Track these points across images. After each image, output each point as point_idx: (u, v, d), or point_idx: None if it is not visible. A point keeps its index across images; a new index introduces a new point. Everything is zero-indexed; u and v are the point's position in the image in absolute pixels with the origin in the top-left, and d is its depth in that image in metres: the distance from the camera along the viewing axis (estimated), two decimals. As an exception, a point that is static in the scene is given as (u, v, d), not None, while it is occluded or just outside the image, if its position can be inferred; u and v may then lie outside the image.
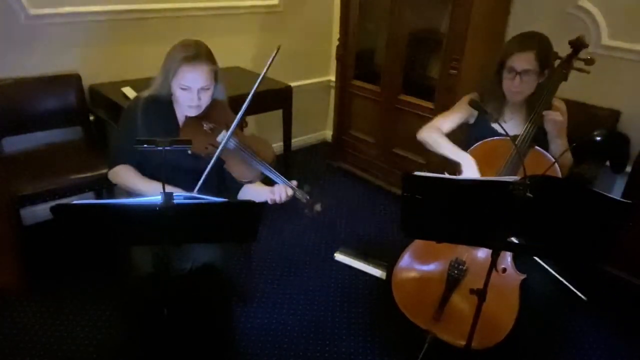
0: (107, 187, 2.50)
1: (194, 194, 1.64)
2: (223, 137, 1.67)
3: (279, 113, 3.11)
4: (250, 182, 1.73)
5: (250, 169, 1.69)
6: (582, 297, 1.73)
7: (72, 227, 1.32)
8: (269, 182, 1.74)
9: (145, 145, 1.37)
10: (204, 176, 1.63)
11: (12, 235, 2.18)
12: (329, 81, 3.90)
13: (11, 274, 2.21)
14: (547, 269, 1.76)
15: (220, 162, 1.69)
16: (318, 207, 1.69)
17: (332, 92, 3.74)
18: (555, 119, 1.77)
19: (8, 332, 2.04)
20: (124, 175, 1.76)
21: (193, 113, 1.73)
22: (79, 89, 2.63)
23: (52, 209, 1.24)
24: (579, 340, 2.16)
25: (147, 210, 1.30)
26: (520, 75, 1.78)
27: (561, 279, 1.73)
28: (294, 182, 1.72)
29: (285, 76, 3.22)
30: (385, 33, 3.07)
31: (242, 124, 1.79)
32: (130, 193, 1.79)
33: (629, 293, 2.30)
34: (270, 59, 1.60)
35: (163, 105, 1.78)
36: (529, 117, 1.82)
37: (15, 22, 2.42)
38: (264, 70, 1.60)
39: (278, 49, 1.61)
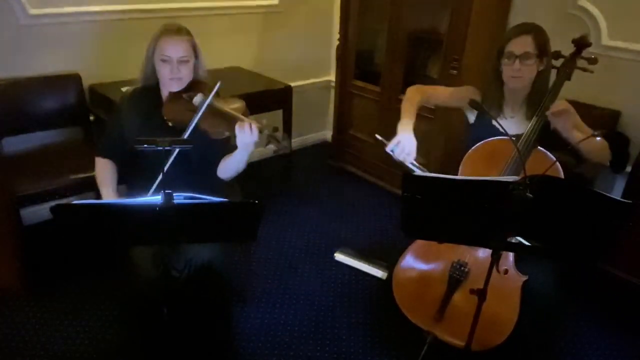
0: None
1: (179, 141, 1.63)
2: (199, 98, 1.74)
3: (279, 113, 3.11)
4: (224, 135, 1.74)
5: (222, 121, 1.71)
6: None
7: (72, 227, 1.33)
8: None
9: (145, 146, 1.37)
10: (188, 131, 1.68)
11: (12, 235, 2.18)
12: (329, 81, 3.89)
13: (11, 273, 2.21)
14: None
15: (196, 125, 1.71)
16: (278, 135, 1.66)
17: (332, 92, 3.73)
18: (558, 109, 1.72)
19: (8, 332, 2.04)
20: (98, 171, 1.90)
21: (175, 87, 1.78)
22: (79, 89, 2.63)
23: (52, 209, 1.24)
24: (579, 341, 2.16)
25: (147, 210, 1.30)
26: (519, 58, 1.77)
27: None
28: (263, 121, 1.72)
29: (285, 76, 3.22)
30: (385, 33, 3.07)
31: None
32: (129, 193, 1.80)
33: (629, 293, 2.30)
34: (213, 91, 1.72)
35: (149, 90, 1.85)
36: (532, 115, 1.81)
37: (15, 22, 2.42)
38: (207, 100, 1.71)
39: (218, 86, 1.73)
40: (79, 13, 2.58)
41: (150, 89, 1.85)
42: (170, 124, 1.79)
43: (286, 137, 1.67)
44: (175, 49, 1.72)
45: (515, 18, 2.78)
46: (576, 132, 1.76)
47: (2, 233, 2.13)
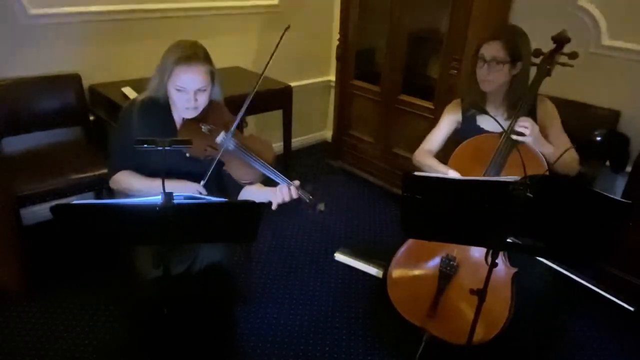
0: (107, 187, 2.50)
1: (200, 187, 1.63)
2: (222, 138, 1.66)
3: (279, 113, 3.11)
4: (250, 183, 1.72)
5: (251, 170, 1.68)
6: (630, 308, 1.71)
7: (72, 227, 1.33)
8: (269, 182, 1.74)
9: (145, 145, 1.37)
10: (205, 178, 1.62)
11: (12, 235, 2.18)
12: (329, 81, 3.90)
13: (11, 274, 2.21)
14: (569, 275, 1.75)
15: (219, 164, 1.67)
16: (322, 206, 1.68)
17: (332, 92, 3.74)
18: (524, 130, 1.71)
19: (8, 332, 2.04)
20: (126, 180, 1.74)
21: (190, 115, 1.70)
22: (79, 89, 2.63)
23: (52, 209, 1.24)
24: (578, 340, 2.16)
25: (147, 210, 1.30)
26: (488, 64, 1.80)
27: (605, 294, 1.72)
28: (296, 182, 1.70)
29: (285, 76, 3.22)
30: (385, 33, 3.07)
31: (241, 125, 1.77)
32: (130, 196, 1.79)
33: (629, 293, 2.30)
34: (280, 39, 1.60)
35: (160, 107, 1.74)
36: (510, 115, 1.84)
37: (15, 22, 2.42)
38: (273, 52, 1.65)
39: (287, 28, 1.59)
40: (79, 13, 2.58)
41: (159, 104, 1.73)
42: (187, 154, 1.69)
43: (322, 206, 1.67)
44: (193, 80, 1.61)
45: (515, 18, 2.78)
46: (548, 146, 1.78)
47: (2, 233, 2.13)
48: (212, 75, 1.68)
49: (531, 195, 1.23)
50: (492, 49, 1.79)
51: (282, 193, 1.66)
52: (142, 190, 1.70)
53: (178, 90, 1.63)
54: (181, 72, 1.60)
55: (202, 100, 1.67)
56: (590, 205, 1.26)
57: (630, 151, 2.48)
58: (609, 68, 2.47)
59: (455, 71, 2.70)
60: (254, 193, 1.75)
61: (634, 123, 2.48)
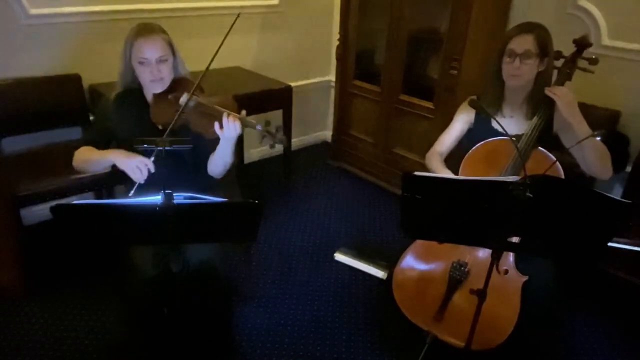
0: (107, 187, 2.51)
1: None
2: (184, 98, 1.71)
3: (279, 113, 3.11)
4: (215, 136, 1.72)
5: (213, 120, 1.69)
6: None
7: (72, 227, 1.33)
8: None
9: (145, 145, 1.38)
10: (168, 128, 1.64)
11: (12, 235, 2.18)
12: (329, 81, 3.90)
13: (11, 274, 2.21)
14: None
15: (187, 123, 1.71)
16: (271, 128, 1.66)
17: (332, 92, 3.74)
18: (559, 94, 1.72)
19: (8, 332, 2.04)
20: (83, 151, 1.80)
21: (158, 89, 1.76)
22: (79, 89, 2.63)
23: (52, 209, 1.24)
24: (579, 341, 2.16)
25: (147, 210, 1.30)
26: (520, 57, 1.78)
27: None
28: (243, 112, 1.70)
29: (285, 76, 3.22)
30: (385, 33, 3.07)
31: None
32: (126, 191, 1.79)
33: (629, 293, 2.29)
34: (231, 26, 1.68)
35: (134, 93, 1.83)
36: (532, 115, 1.82)
37: (15, 22, 2.42)
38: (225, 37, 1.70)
39: (237, 16, 1.70)
40: (79, 13, 2.58)
41: (133, 91, 1.82)
42: (160, 127, 1.75)
43: (280, 129, 1.65)
44: (152, 49, 1.68)
45: (515, 18, 2.78)
46: (583, 125, 1.73)
47: (2, 233, 2.13)
48: (171, 45, 1.76)
49: (531, 195, 1.23)
50: (524, 43, 1.77)
51: (225, 123, 1.64)
52: (96, 161, 1.74)
53: (141, 63, 1.70)
54: (140, 44, 1.68)
55: (166, 71, 1.74)
56: (590, 205, 1.26)
57: (630, 151, 2.48)
58: (608, 68, 2.47)
59: (455, 71, 2.70)
60: (216, 152, 1.78)
61: (634, 123, 2.48)
